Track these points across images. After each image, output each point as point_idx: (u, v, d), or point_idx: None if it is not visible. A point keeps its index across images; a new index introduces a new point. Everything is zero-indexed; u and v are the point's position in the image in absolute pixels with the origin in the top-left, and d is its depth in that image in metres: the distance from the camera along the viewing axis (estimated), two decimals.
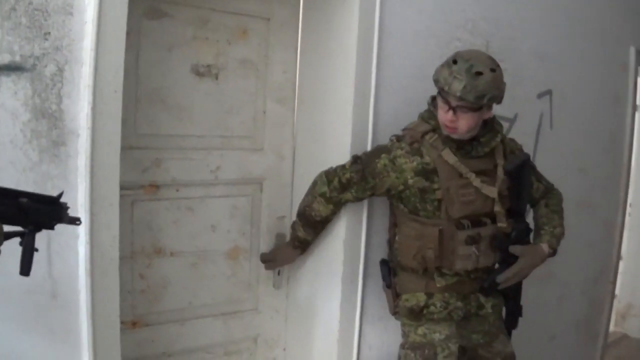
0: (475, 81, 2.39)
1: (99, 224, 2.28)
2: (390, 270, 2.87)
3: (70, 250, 2.26)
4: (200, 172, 2.95)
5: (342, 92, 2.96)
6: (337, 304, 3.00)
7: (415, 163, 2.61)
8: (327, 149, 3.03)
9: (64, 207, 1.78)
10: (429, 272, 2.69)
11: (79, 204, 2.24)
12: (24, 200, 1.65)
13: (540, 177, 2.95)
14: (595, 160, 4.74)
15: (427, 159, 2.60)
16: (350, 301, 3.03)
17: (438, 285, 2.69)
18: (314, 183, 2.78)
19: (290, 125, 3.25)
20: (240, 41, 3.03)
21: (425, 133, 2.63)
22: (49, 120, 2.19)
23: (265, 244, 3.19)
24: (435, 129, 2.62)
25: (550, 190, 2.95)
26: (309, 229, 2.83)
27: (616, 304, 6.42)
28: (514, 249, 2.68)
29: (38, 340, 2.24)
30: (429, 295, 2.71)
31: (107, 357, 2.35)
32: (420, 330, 2.72)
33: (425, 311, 2.70)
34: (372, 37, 2.94)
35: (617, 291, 6.10)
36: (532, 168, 2.93)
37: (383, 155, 2.64)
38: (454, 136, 2.57)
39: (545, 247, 2.77)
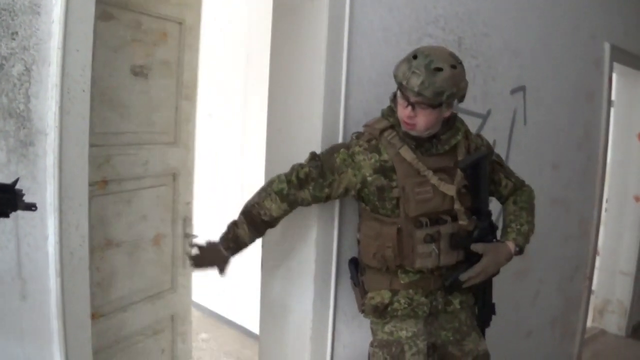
0: (434, 77, 2.37)
1: (67, 223, 2.27)
2: (357, 268, 2.87)
3: (40, 250, 2.25)
4: (135, 166, 3.27)
5: (313, 89, 2.95)
6: (310, 303, 3.00)
7: (373, 160, 2.59)
8: (298, 147, 3.03)
9: (18, 194, 1.81)
10: (392, 270, 2.69)
11: (47, 203, 2.23)
12: None
13: (509, 174, 2.94)
14: (570, 156, 4.79)
15: (385, 156, 2.59)
16: (323, 300, 3.03)
17: (402, 282, 2.69)
18: (270, 182, 2.69)
19: (193, 120, 3.68)
20: (162, 43, 3.32)
21: (384, 130, 2.62)
22: (16, 120, 2.18)
23: (179, 229, 3.61)
24: (394, 125, 2.61)
25: (520, 187, 2.94)
26: (252, 228, 2.68)
27: (593, 300, 6.48)
28: (476, 247, 2.65)
29: (8, 342, 2.23)
30: (394, 292, 2.70)
31: (79, 356, 2.35)
32: (386, 328, 2.72)
33: (389, 308, 2.70)
34: (342, 34, 2.94)
35: (594, 287, 6.16)
36: (499, 164, 2.92)
37: (342, 150, 2.63)
38: (413, 133, 2.55)
39: (511, 244, 2.75)
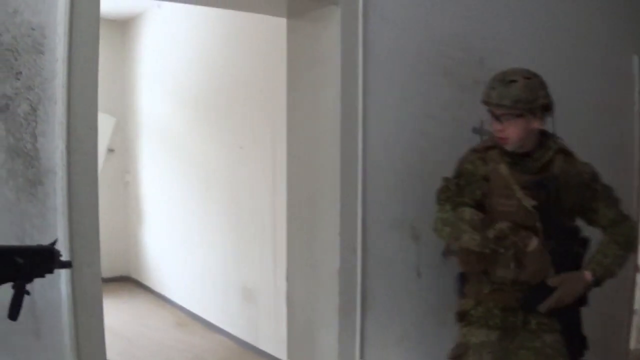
0: (509, 88, 2.55)
1: (79, 262, 2.25)
2: (463, 281, 2.87)
3: (52, 288, 2.24)
4: None
5: (329, 117, 2.93)
6: (335, 334, 2.94)
7: (483, 170, 2.71)
8: (317, 174, 3.00)
9: (56, 256, 1.80)
10: (480, 278, 2.72)
11: (59, 242, 2.21)
12: (20, 261, 1.70)
13: (610, 205, 2.86)
14: (602, 172, 4.63)
15: (486, 168, 2.71)
16: (349, 332, 2.96)
17: (485, 292, 2.72)
18: (448, 220, 2.69)
19: None
20: None
21: (489, 148, 2.74)
22: (24, 160, 2.18)
23: None
24: (496, 145, 2.71)
25: (621, 220, 2.87)
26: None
27: (636, 320, 6.24)
28: (552, 281, 2.63)
29: None
30: (477, 302, 2.75)
31: None
32: (463, 331, 2.77)
33: (468, 314, 2.75)
34: (357, 59, 2.92)
35: (635, 306, 5.94)
36: (602, 193, 2.84)
37: (467, 160, 2.76)
38: (508, 148, 2.65)
39: (588, 274, 2.69)
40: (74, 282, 2.24)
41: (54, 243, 1.81)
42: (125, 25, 6.67)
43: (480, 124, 3.28)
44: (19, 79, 2.16)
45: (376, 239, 3.08)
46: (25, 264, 1.71)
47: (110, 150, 6.59)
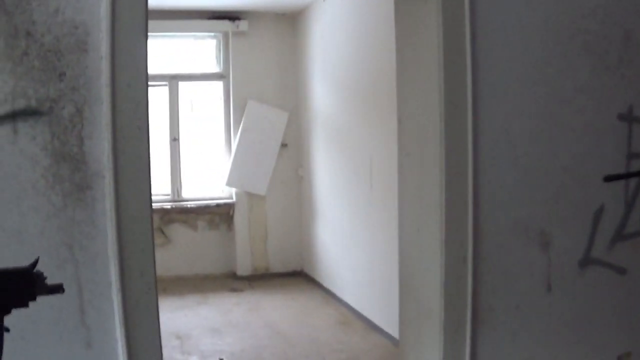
0: None
1: (130, 270, 2.14)
2: None
3: (104, 298, 2.15)
4: None
5: (433, 109, 2.57)
6: (439, 355, 2.57)
7: None
8: (423, 173, 2.66)
9: (38, 281, 1.50)
10: None
11: (109, 249, 2.13)
12: None
13: None
14: None
15: None
16: (455, 352, 2.58)
17: None
18: None
19: None
20: None
21: None
22: (70, 164, 2.11)
23: None
24: None
25: None
26: None
27: None
28: None
29: None
30: None
31: None
32: None
33: None
34: (463, 38, 2.50)
35: None
36: None
37: None
38: None
39: None
40: (124, 292, 2.13)
41: (34, 264, 1.51)
42: (295, 19, 6.62)
43: (629, 109, 2.72)
44: (62, 80, 2.08)
45: (494, 247, 2.64)
46: None
47: (284, 145, 6.61)
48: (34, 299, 1.49)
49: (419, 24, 2.62)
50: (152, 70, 6.14)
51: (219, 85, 6.57)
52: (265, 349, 4.69)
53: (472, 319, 2.57)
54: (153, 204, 6.30)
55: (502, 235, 2.66)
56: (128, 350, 2.15)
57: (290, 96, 6.65)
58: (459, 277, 2.55)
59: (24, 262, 1.49)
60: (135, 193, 2.14)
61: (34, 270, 1.51)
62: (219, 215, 6.57)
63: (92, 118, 2.11)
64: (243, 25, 6.29)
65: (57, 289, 1.55)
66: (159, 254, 6.38)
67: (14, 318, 1.46)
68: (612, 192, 2.78)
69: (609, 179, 2.19)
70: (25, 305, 1.48)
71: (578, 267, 2.76)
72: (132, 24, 2.11)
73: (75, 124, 2.10)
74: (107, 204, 2.12)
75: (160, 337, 2.22)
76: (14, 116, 2.04)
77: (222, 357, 4.38)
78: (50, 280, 1.52)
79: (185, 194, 6.55)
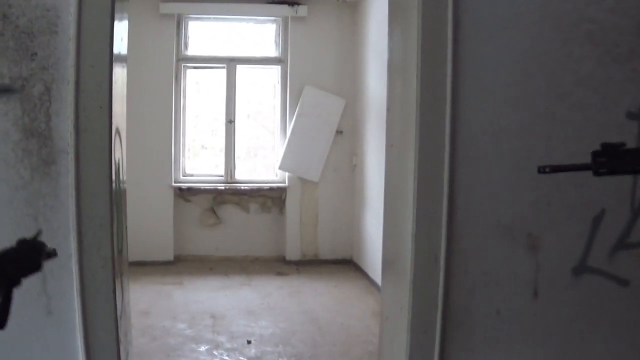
0: None
1: (88, 244, 2.23)
2: None
3: (65, 269, 2.26)
4: None
5: (410, 101, 2.51)
6: (404, 356, 2.53)
7: None
8: (401, 167, 2.61)
9: (42, 250, 1.59)
10: None
11: (70, 222, 2.23)
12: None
13: None
14: None
15: None
16: (423, 354, 2.51)
17: None
18: None
19: None
20: None
21: None
22: (38, 139, 2.22)
23: None
24: None
25: None
26: None
27: None
28: None
29: (33, 356, 2.28)
30: None
31: None
32: None
33: None
34: (444, 26, 2.41)
35: None
36: None
37: None
38: None
39: None
40: (82, 265, 2.23)
41: (37, 235, 1.60)
42: (355, 6, 6.58)
43: None
44: (33, 60, 2.20)
45: (472, 246, 2.53)
46: (11, 268, 1.48)
47: (339, 132, 6.60)
48: (40, 268, 1.56)
49: (405, 6, 2.56)
50: (210, 52, 6.43)
51: (276, 69, 6.61)
52: (294, 334, 4.71)
53: (443, 320, 2.50)
54: (207, 185, 6.48)
55: (481, 234, 2.55)
56: (84, 321, 2.25)
57: (347, 84, 6.61)
58: (429, 275, 2.48)
59: None
60: (95, 170, 2.23)
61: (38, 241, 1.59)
62: (271, 198, 6.65)
63: (59, 97, 2.22)
64: (302, 10, 6.31)
65: (53, 254, 1.63)
66: (210, 234, 6.65)
67: None
68: (616, 197, 2.61)
69: (542, 170, 1.97)
70: (32, 274, 1.54)
71: (571, 274, 2.60)
72: (98, 7, 2.19)
73: (44, 101, 2.22)
74: (70, 180, 2.22)
75: (116, 310, 2.31)
76: None
77: (249, 339, 4.45)
78: None
79: (239, 175, 6.64)
